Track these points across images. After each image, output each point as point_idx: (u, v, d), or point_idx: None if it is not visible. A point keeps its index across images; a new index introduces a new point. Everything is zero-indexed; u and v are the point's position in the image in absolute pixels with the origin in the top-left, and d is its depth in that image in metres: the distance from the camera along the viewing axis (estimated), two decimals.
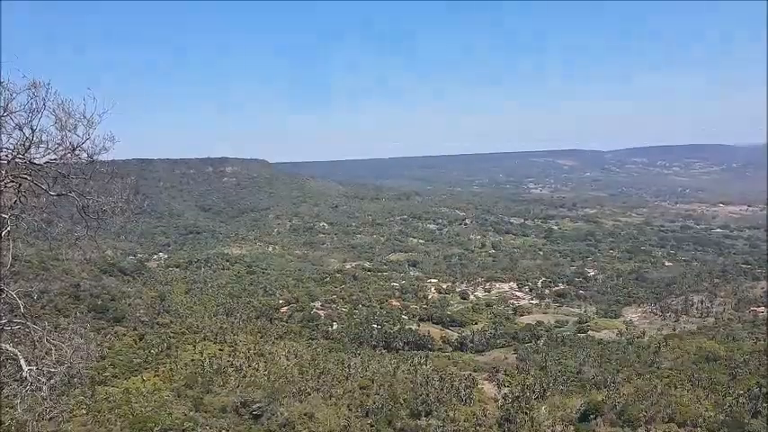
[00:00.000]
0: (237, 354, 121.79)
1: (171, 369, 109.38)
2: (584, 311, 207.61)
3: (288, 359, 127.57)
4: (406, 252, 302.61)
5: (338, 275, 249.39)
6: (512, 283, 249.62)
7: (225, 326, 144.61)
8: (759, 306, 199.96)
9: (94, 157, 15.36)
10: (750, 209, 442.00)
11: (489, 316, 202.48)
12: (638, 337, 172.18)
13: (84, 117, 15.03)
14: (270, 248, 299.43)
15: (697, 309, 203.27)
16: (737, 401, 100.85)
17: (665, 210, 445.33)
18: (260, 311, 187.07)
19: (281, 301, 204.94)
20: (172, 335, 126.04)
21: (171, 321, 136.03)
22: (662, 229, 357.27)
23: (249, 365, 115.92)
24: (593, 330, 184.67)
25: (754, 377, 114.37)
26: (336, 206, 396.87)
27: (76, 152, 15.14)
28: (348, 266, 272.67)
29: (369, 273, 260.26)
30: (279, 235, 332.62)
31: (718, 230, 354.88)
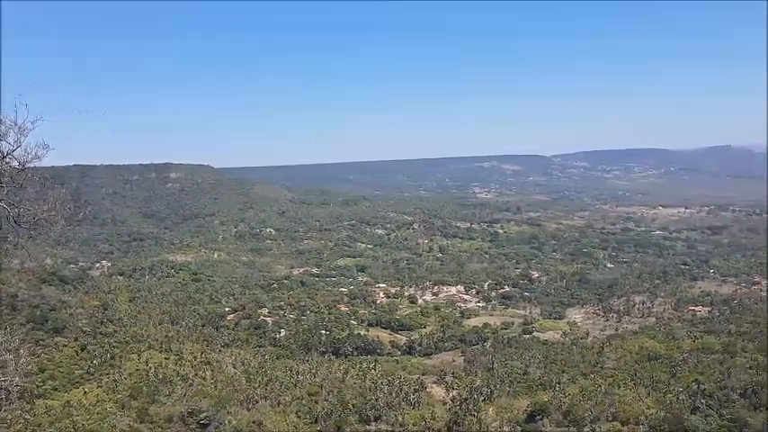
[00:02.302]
0: (183, 362, 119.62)
1: (114, 380, 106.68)
2: (530, 313, 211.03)
3: (235, 367, 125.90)
4: (354, 257, 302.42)
5: (286, 282, 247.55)
6: (459, 286, 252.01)
7: (170, 334, 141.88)
8: (697, 306, 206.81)
9: (26, 165, 14.86)
10: (688, 211, 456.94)
11: (437, 319, 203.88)
12: (581, 338, 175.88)
13: (16, 124, 14.55)
14: (215, 255, 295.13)
15: (638, 309, 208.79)
16: (677, 398, 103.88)
17: (607, 213, 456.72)
18: (206, 319, 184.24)
19: (227, 309, 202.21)
20: (115, 344, 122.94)
21: (114, 331, 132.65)
22: (603, 231, 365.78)
23: (196, 374, 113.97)
24: (538, 332, 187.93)
25: (693, 374, 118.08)
26: (283, 212, 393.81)
27: (6, 160, 14.62)
28: (296, 272, 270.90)
29: (317, 278, 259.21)
30: (224, 241, 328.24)
31: (658, 232, 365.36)
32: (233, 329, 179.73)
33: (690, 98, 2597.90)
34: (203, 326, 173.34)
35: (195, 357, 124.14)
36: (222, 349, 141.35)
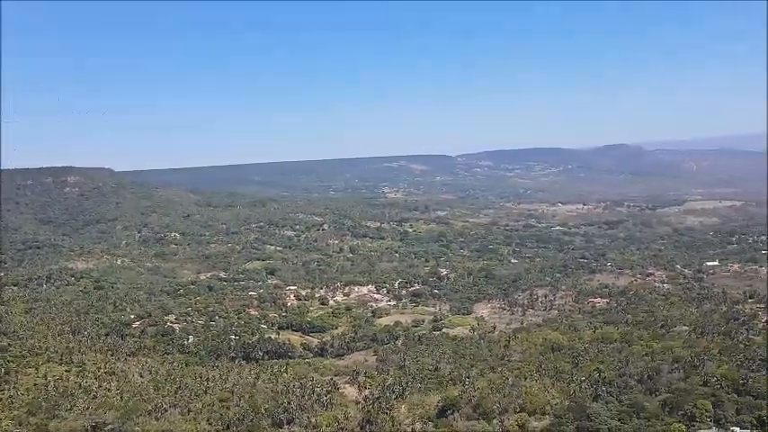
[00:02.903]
0: (86, 374, 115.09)
1: (10, 396, 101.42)
2: (439, 310, 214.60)
3: (142, 376, 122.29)
4: (263, 260, 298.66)
5: (193, 287, 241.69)
6: (370, 285, 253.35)
7: (71, 345, 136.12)
8: (596, 297, 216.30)
9: None
10: (585, 207, 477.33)
11: (349, 320, 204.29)
12: (489, 332, 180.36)
13: None
14: (119, 261, 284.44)
15: (541, 302, 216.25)
16: (580, 387, 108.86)
17: (510, 210, 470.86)
18: (110, 328, 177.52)
19: (132, 316, 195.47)
20: (10, 359, 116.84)
21: (9, 344, 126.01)
22: (507, 228, 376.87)
23: (100, 386, 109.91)
24: (447, 328, 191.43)
25: (594, 363, 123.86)
26: (188, 215, 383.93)
27: None
28: (203, 277, 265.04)
29: (225, 283, 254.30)
30: (128, 247, 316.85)
31: (558, 228, 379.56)
32: (139, 337, 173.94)
33: (586, 98, 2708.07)
34: (107, 335, 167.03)
35: (99, 368, 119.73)
36: (128, 358, 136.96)
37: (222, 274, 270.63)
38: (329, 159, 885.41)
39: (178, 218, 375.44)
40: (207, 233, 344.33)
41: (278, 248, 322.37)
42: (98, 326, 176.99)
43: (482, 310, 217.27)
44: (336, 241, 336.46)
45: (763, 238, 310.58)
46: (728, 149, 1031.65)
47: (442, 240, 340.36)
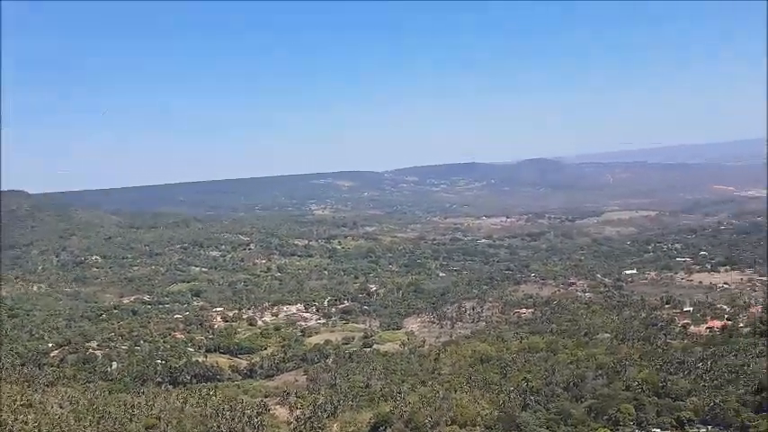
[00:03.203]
0: (1, 407, 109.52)
1: None
2: (369, 326, 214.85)
3: (62, 407, 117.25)
4: (188, 282, 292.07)
5: (115, 311, 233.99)
6: (299, 304, 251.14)
7: None
8: (522, 308, 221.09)
9: None
10: (509, 220, 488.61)
11: (278, 340, 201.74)
12: (419, 347, 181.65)
13: None
14: (35, 287, 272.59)
15: (469, 315, 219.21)
16: (509, 397, 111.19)
17: (437, 224, 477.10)
18: (26, 358, 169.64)
19: (50, 345, 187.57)
20: None
21: None
22: (434, 242, 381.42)
23: (15, 419, 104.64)
24: (378, 344, 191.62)
25: (522, 373, 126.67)
26: (110, 237, 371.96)
27: None
28: (126, 301, 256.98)
29: (149, 306, 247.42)
30: (45, 272, 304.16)
31: (483, 241, 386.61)
32: (58, 366, 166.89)
33: (507, 114, 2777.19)
34: (23, 365, 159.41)
35: (14, 401, 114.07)
36: (46, 389, 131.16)
37: (146, 298, 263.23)
38: (255, 178, 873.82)
39: (99, 240, 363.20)
40: (129, 255, 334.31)
41: (203, 269, 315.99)
42: (13, 356, 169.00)
43: (412, 324, 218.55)
44: (264, 260, 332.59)
45: (677, 246, 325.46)
46: (643, 162, 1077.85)
47: (370, 256, 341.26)
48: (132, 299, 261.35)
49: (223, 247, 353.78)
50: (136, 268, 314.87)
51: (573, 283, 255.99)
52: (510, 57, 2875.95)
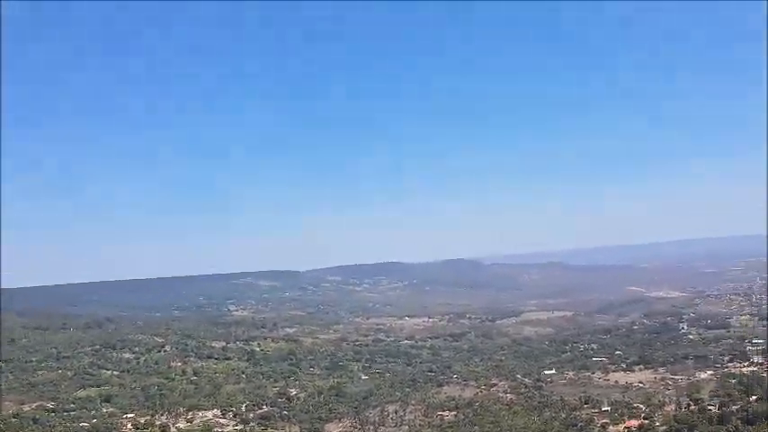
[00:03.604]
0: None
1: None
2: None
3: None
4: (98, 386, 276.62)
5: (14, 420, 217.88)
6: (215, 410, 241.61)
7: None
8: (444, 410, 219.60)
9: None
10: (431, 320, 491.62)
11: None
12: None
13: None
14: None
15: (392, 418, 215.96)
16: None
17: (359, 325, 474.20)
18: None
19: None
20: None
21: None
22: (357, 343, 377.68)
23: None
24: None
25: None
26: (13, 339, 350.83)
27: None
28: (27, 408, 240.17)
29: (53, 414, 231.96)
30: None
31: (406, 342, 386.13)
32: None
33: (427, 216, 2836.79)
34: None
35: None
36: None
37: (50, 404, 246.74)
38: (174, 277, 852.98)
39: (1, 344, 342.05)
40: (34, 359, 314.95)
41: (115, 373, 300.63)
42: None
43: (333, 430, 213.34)
44: (179, 363, 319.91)
45: (594, 345, 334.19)
46: (558, 263, 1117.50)
47: (291, 359, 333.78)
48: (34, 406, 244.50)
49: (137, 349, 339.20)
50: (41, 372, 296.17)
51: (494, 384, 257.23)
52: (426, 162, 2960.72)
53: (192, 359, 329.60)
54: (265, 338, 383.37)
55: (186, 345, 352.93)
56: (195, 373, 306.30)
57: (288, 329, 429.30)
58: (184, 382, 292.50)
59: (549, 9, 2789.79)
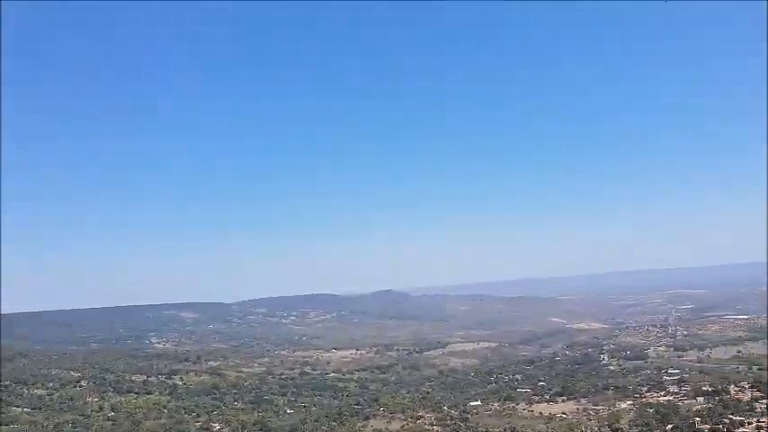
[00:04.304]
0: None
1: None
2: None
3: None
4: (7, 425, 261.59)
5: None
6: None
7: None
8: None
9: None
10: (358, 352, 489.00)
11: None
12: None
13: None
14: None
15: None
16: None
17: (285, 358, 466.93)
18: None
19: None
20: None
21: None
22: (283, 377, 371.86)
23: None
24: None
25: None
26: None
27: None
28: None
29: None
30: None
31: (333, 375, 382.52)
32: None
33: (354, 247, 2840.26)
34: None
35: None
36: None
37: None
38: (91, 308, 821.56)
39: None
40: None
41: (26, 410, 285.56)
42: None
43: None
44: (96, 399, 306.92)
45: (518, 376, 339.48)
46: (484, 295, 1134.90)
47: (214, 393, 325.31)
48: None
49: (50, 384, 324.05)
50: None
51: (421, 417, 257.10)
52: (353, 193, 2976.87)
53: (109, 394, 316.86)
54: (188, 372, 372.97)
55: (104, 379, 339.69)
56: (113, 409, 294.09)
57: (212, 363, 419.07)
58: (101, 418, 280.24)
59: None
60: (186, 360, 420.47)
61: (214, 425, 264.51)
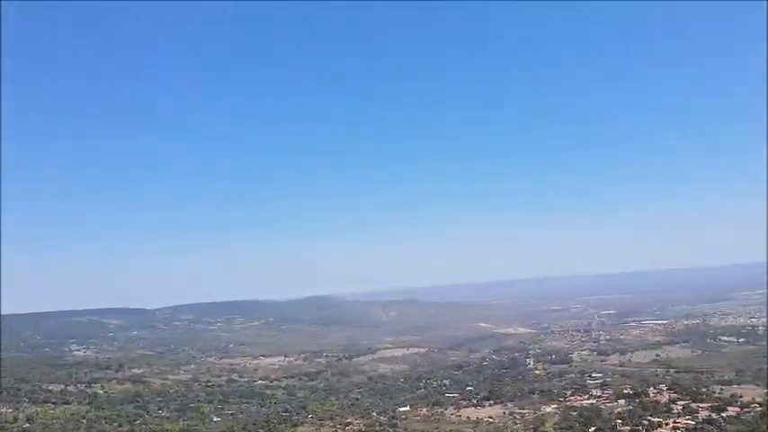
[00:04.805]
0: None
1: None
2: None
3: None
4: None
5: None
6: None
7: None
8: None
9: None
10: (287, 359, 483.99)
11: None
12: None
13: None
14: None
15: None
16: None
17: (212, 365, 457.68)
18: None
19: None
20: None
21: None
22: (209, 384, 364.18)
23: None
24: None
25: None
26: None
27: None
28: None
29: None
30: None
31: (261, 382, 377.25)
32: None
33: (284, 252, 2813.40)
34: None
35: None
36: None
37: None
38: (3, 314, 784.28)
39: None
40: None
41: None
42: None
43: None
44: (10, 410, 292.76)
45: (446, 382, 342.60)
46: (414, 300, 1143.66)
47: (137, 401, 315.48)
48: None
49: None
50: None
51: (350, 423, 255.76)
52: (282, 199, 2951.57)
53: (25, 404, 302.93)
54: (110, 380, 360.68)
55: (19, 389, 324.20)
56: (28, 420, 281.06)
57: (135, 370, 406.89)
58: (15, 430, 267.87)
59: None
60: (108, 368, 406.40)
61: None
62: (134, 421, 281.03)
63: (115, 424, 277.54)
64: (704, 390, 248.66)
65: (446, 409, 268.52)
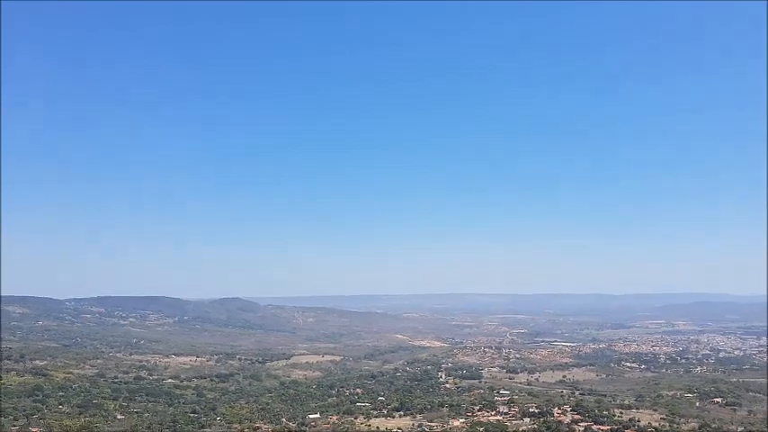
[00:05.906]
0: None
1: None
2: None
3: None
4: None
5: None
6: None
7: None
8: None
9: None
10: (198, 359, 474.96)
11: None
12: None
13: None
14: None
15: None
16: None
17: (120, 361, 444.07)
18: None
19: None
20: None
21: None
22: (116, 380, 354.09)
23: None
24: None
25: None
26: None
27: None
28: None
29: None
30: None
31: (170, 381, 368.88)
32: None
33: (199, 253, 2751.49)
34: None
35: None
36: None
37: None
38: None
39: None
40: None
41: None
42: None
43: None
44: None
45: (359, 390, 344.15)
46: (332, 308, 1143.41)
47: (37, 395, 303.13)
48: None
49: None
50: None
51: (258, 428, 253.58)
52: (203, 200, 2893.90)
53: None
54: (9, 371, 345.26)
55: None
56: None
57: (38, 362, 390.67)
58: None
59: None
60: (8, 358, 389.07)
61: (33, 429, 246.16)
62: (31, 416, 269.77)
63: (11, 417, 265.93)
64: (606, 412, 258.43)
65: (356, 418, 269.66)
